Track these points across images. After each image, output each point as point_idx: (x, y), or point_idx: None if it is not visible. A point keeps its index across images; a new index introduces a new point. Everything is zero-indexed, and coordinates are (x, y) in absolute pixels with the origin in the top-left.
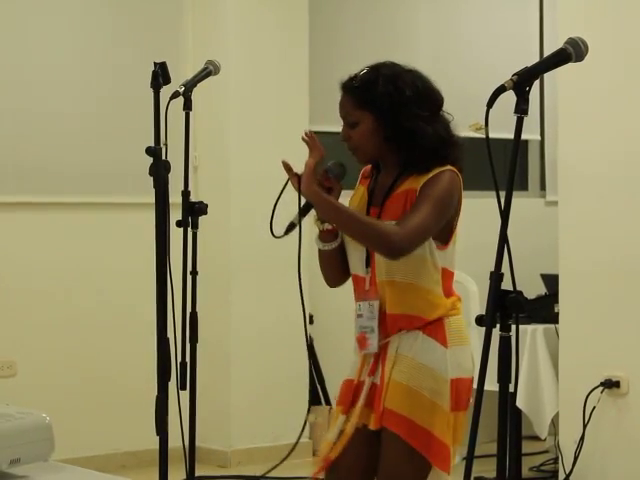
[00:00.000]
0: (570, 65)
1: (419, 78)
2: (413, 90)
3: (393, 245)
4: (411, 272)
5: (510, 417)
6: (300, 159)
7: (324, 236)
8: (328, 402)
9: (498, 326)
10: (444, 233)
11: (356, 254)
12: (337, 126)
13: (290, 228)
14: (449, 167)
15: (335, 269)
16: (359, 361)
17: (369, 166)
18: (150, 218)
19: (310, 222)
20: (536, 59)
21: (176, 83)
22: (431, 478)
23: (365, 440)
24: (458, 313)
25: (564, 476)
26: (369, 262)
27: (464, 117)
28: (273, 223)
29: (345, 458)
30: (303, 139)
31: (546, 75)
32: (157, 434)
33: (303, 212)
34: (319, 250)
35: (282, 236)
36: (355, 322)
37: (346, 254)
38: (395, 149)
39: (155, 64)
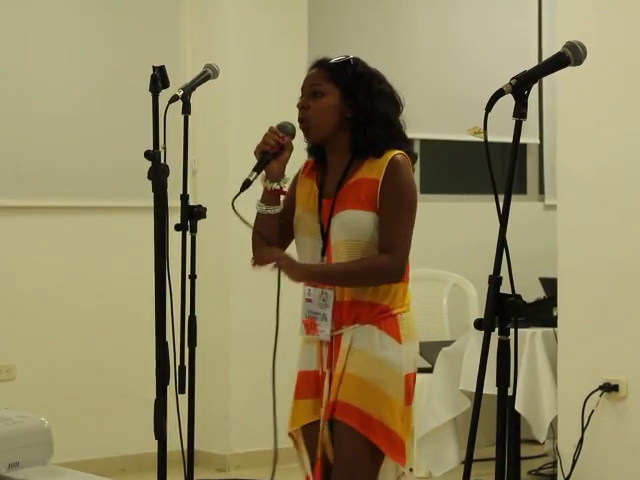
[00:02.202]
0: (569, 69)
1: (389, 83)
2: (386, 87)
3: (393, 272)
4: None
5: (509, 421)
6: (300, 163)
7: (270, 197)
8: None
9: (497, 330)
10: None
11: (311, 243)
12: None
13: (245, 185)
14: (399, 151)
15: (271, 238)
16: (316, 351)
17: (311, 160)
18: (149, 222)
19: None
20: (535, 63)
21: (175, 87)
22: (387, 470)
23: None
24: (409, 309)
25: None
26: (325, 251)
27: (462, 121)
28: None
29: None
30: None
31: (545, 79)
32: (156, 438)
33: (258, 169)
34: (259, 216)
35: (237, 195)
36: (303, 305)
37: (288, 231)
38: (348, 132)
39: (154, 68)
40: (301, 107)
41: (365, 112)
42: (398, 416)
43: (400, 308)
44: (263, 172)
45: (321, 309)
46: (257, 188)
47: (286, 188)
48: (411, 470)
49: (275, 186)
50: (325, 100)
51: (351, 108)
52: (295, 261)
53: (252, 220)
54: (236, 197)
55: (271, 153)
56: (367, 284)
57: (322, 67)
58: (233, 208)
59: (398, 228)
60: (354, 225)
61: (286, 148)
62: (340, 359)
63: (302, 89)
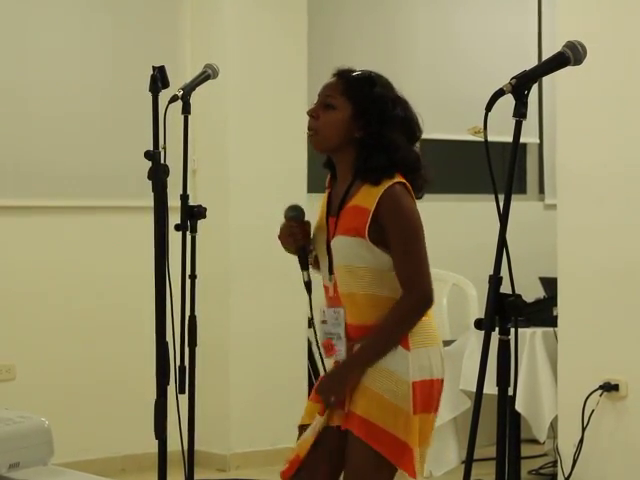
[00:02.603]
0: (569, 68)
1: (409, 107)
2: (403, 112)
3: (424, 307)
4: (371, 285)
5: (509, 420)
6: (298, 160)
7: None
8: None
9: (497, 329)
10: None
11: (323, 262)
12: None
13: (308, 288)
14: (396, 180)
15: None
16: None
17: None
18: (149, 222)
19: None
20: (534, 62)
21: (175, 87)
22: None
23: (337, 439)
24: (427, 315)
25: (563, 479)
26: (331, 270)
27: (462, 120)
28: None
29: (314, 457)
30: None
31: (545, 78)
32: (156, 438)
33: (306, 266)
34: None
35: (310, 297)
36: (319, 328)
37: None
38: (353, 150)
39: (154, 68)
40: (311, 115)
41: (373, 137)
42: (406, 425)
43: None
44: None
45: (334, 328)
46: (262, 189)
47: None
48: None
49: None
50: (334, 114)
51: (360, 129)
52: (338, 373)
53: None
54: (311, 309)
55: (305, 246)
56: (409, 329)
57: (341, 78)
58: (312, 325)
59: (413, 261)
60: (346, 252)
61: (306, 229)
62: None
63: (318, 95)
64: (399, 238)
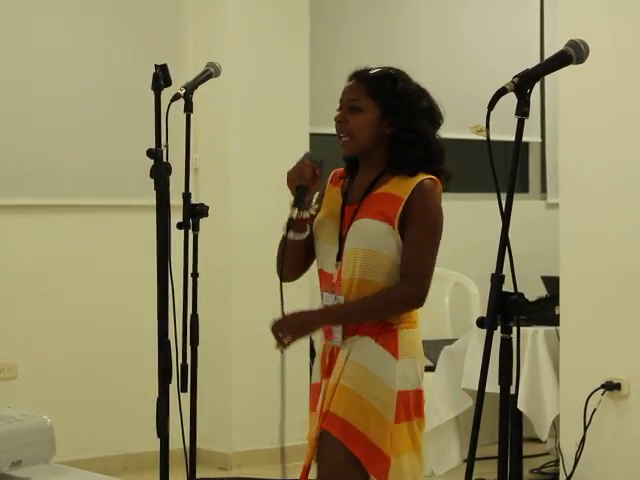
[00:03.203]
0: (571, 67)
1: (431, 97)
2: (425, 103)
3: (414, 301)
4: (389, 273)
5: (511, 419)
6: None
7: (298, 225)
8: None
9: (499, 328)
10: None
11: (327, 249)
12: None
13: (290, 225)
14: (430, 176)
15: (298, 261)
16: (320, 362)
17: (341, 169)
18: (151, 220)
19: None
20: (537, 61)
21: (177, 85)
22: None
23: None
24: (414, 327)
25: (565, 478)
26: (340, 257)
27: (465, 119)
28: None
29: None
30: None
31: (547, 77)
32: (158, 436)
33: (299, 205)
34: (285, 240)
35: (286, 233)
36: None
37: (313, 248)
38: (385, 147)
39: (156, 66)
40: (339, 122)
41: (406, 132)
42: (385, 433)
43: (404, 324)
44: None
45: None
46: (263, 188)
47: (315, 211)
48: None
49: (306, 215)
50: (364, 116)
51: (391, 126)
52: (308, 313)
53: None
54: (285, 239)
55: (307, 186)
56: (389, 316)
57: (361, 80)
58: (280, 275)
59: (422, 255)
60: (369, 234)
61: (318, 176)
62: (336, 369)
63: (340, 101)
64: (418, 230)
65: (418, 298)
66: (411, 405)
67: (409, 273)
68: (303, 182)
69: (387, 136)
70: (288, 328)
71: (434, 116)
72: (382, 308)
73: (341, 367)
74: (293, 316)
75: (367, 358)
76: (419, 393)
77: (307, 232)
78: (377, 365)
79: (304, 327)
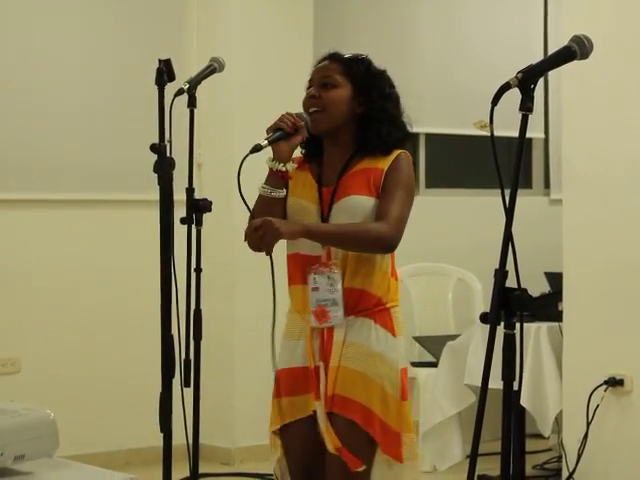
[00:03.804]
0: (575, 63)
1: (396, 90)
2: (394, 92)
3: (387, 241)
4: None
5: (514, 415)
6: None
7: (275, 180)
8: None
9: (502, 324)
10: None
11: None
12: None
13: (255, 149)
14: (404, 150)
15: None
16: (303, 346)
17: (300, 156)
18: (154, 215)
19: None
20: (540, 57)
21: (180, 80)
22: (382, 466)
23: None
24: (399, 304)
25: (567, 474)
26: None
27: (467, 115)
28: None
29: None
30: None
31: (550, 73)
32: (161, 431)
33: (270, 139)
34: (261, 199)
35: (245, 157)
36: (310, 297)
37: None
38: (354, 126)
39: (160, 61)
40: (311, 96)
41: (377, 111)
42: (394, 410)
43: (392, 302)
44: (271, 153)
45: (330, 294)
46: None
47: (291, 173)
48: None
49: (281, 167)
50: (337, 92)
51: (362, 105)
52: (283, 220)
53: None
54: (244, 159)
55: (285, 131)
56: (360, 246)
57: (335, 60)
58: (238, 178)
59: (396, 204)
60: (358, 210)
61: (299, 133)
62: (334, 352)
63: (311, 80)
64: (394, 185)
65: (391, 238)
66: (405, 382)
67: (385, 215)
68: (281, 125)
69: (357, 115)
70: (271, 233)
71: (400, 105)
72: (355, 235)
73: (339, 349)
74: (276, 224)
75: (368, 339)
76: (406, 372)
77: (282, 192)
78: (381, 345)
79: (280, 235)
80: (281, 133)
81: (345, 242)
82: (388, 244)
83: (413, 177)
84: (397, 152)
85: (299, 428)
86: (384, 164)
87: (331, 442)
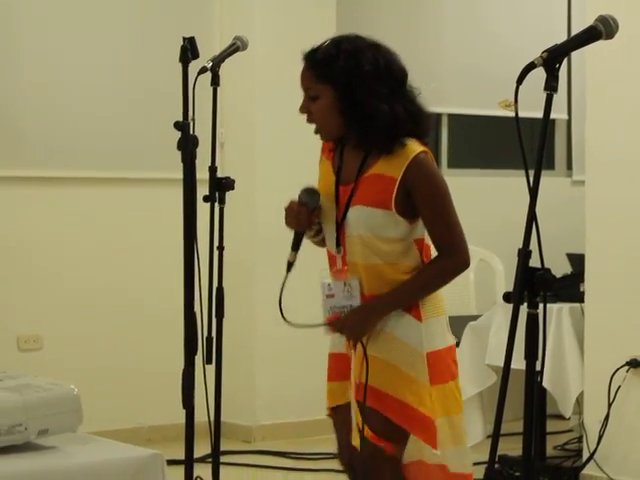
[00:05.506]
0: (599, 43)
1: (382, 54)
2: (373, 66)
3: (460, 268)
4: (396, 254)
5: (536, 395)
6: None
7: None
8: None
9: (525, 304)
10: (412, 209)
11: (329, 231)
12: None
13: (289, 268)
14: (418, 149)
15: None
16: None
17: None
18: (177, 193)
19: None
20: (564, 39)
21: (204, 59)
22: (413, 450)
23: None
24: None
25: (588, 455)
26: (339, 242)
27: (490, 95)
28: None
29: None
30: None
31: (574, 54)
32: (184, 407)
33: (296, 248)
34: (284, 282)
35: (286, 276)
36: (323, 304)
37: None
38: (355, 127)
39: (184, 39)
40: (301, 112)
41: (363, 109)
42: (423, 396)
43: None
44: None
45: (346, 301)
46: (289, 162)
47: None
48: None
49: (312, 234)
50: (320, 103)
51: (346, 104)
52: (364, 310)
53: None
54: (283, 287)
55: (300, 232)
56: (444, 284)
57: (309, 67)
58: (282, 316)
59: (446, 225)
60: (367, 222)
61: (317, 216)
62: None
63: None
64: (431, 205)
65: (464, 262)
66: (445, 364)
67: (446, 246)
68: (300, 228)
69: (354, 115)
70: (351, 332)
71: (396, 74)
72: (434, 283)
73: (366, 337)
74: (352, 318)
75: (391, 325)
76: (451, 350)
77: (319, 236)
78: (402, 330)
79: (364, 326)
80: (298, 235)
81: (431, 291)
82: (464, 267)
83: (438, 176)
84: (411, 152)
85: (344, 413)
86: (397, 171)
87: (357, 434)
